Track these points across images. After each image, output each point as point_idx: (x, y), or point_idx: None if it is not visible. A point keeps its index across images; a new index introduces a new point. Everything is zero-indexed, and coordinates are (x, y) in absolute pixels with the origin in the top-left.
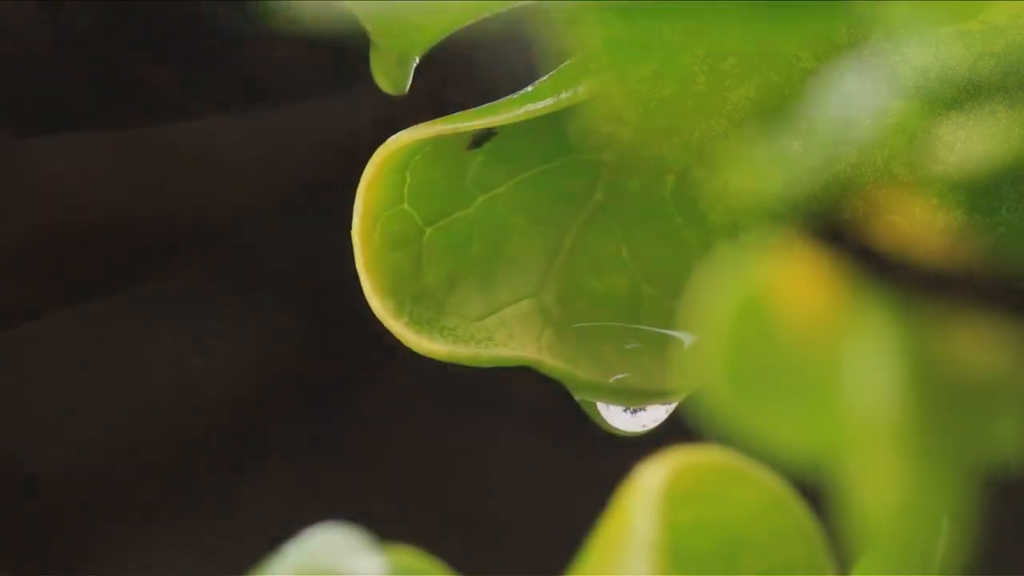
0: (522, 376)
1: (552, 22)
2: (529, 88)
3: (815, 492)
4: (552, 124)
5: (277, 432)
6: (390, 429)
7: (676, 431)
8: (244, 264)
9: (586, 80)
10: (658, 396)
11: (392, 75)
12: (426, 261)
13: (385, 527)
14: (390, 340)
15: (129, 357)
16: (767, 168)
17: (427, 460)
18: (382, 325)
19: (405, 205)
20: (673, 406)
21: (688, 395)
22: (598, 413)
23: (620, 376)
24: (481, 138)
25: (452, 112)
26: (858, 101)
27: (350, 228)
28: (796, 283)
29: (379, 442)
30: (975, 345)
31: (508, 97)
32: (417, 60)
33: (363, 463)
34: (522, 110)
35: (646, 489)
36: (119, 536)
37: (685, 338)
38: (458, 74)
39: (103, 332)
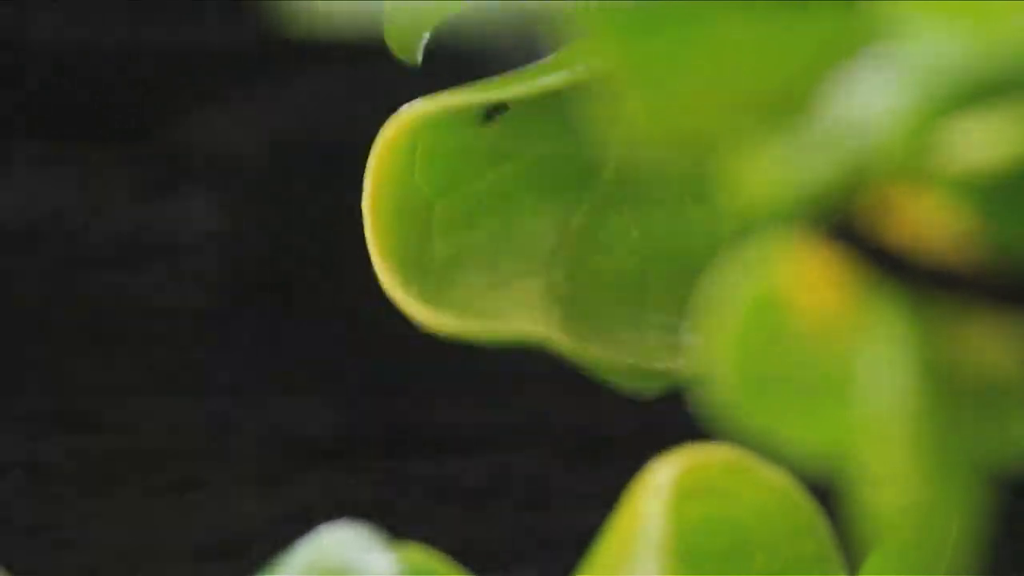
0: (531, 368)
1: (565, 9)
2: (543, 61)
3: (825, 490)
4: (564, 100)
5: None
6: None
7: (686, 428)
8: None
9: (599, 58)
10: (667, 378)
11: (406, 43)
12: (435, 234)
13: (394, 523)
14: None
15: None
16: (780, 165)
17: (431, 454)
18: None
19: (415, 177)
20: None
21: (698, 391)
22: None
23: (629, 356)
24: (493, 111)
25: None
26: (871, 99)
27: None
28: (808, 281)
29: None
30: (988, 345)
31: (521, 69)
32: (430, 31)
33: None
34: (536, 83)
35: (656, 486)
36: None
37: (694, 327)
38: (471, 45)
39: None
